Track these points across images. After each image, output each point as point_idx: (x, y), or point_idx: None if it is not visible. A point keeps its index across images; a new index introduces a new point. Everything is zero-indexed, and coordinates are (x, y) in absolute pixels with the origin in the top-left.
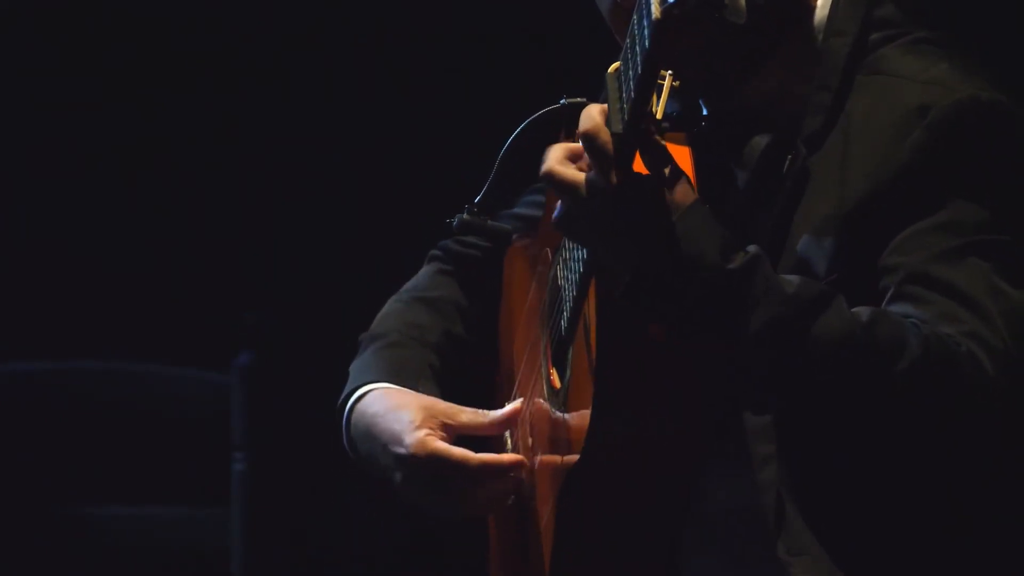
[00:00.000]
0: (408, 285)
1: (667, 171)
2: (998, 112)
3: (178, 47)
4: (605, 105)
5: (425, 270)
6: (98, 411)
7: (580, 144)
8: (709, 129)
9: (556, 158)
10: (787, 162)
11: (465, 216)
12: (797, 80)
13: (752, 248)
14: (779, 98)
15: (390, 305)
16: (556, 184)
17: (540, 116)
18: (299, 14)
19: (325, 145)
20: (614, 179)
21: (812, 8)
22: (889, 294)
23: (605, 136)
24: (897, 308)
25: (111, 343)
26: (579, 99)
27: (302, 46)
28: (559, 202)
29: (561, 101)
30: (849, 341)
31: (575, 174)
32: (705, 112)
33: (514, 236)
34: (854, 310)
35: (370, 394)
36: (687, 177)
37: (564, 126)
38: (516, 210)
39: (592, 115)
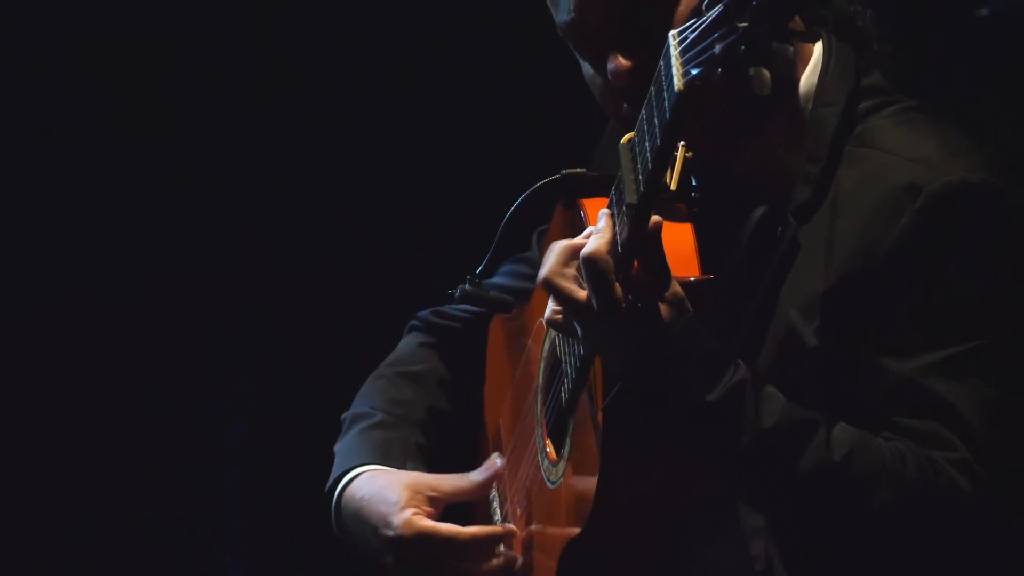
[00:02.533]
0: (389, 359)
1: (664, 288)
2: (987, 195)
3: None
4: (610, 231)
5: (405, 342)
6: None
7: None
8: (704, 200)
9: (556, 263)
10: (778, 233)
11: (467, 287)
12: (786, 149)
13: (740, 369)
14: (768, 167)
15: (372, 382)
16: (555, 294)
17: (539, 187)
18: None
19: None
20: (613, 303)
21: (799, 76)
22: (879, 397)
23: (605, 264)
24: (886, 416)
25: (112, 346)
26: (578, 170)
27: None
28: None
29: (560, 172)
30: (827, 476)
31: (574, 289)
32: (695, 182)
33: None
34: (835, 433)
35: (358, 478)
36: (681, 297)
37: (563, 197)
38: (497, 280)
39: (594, 237)
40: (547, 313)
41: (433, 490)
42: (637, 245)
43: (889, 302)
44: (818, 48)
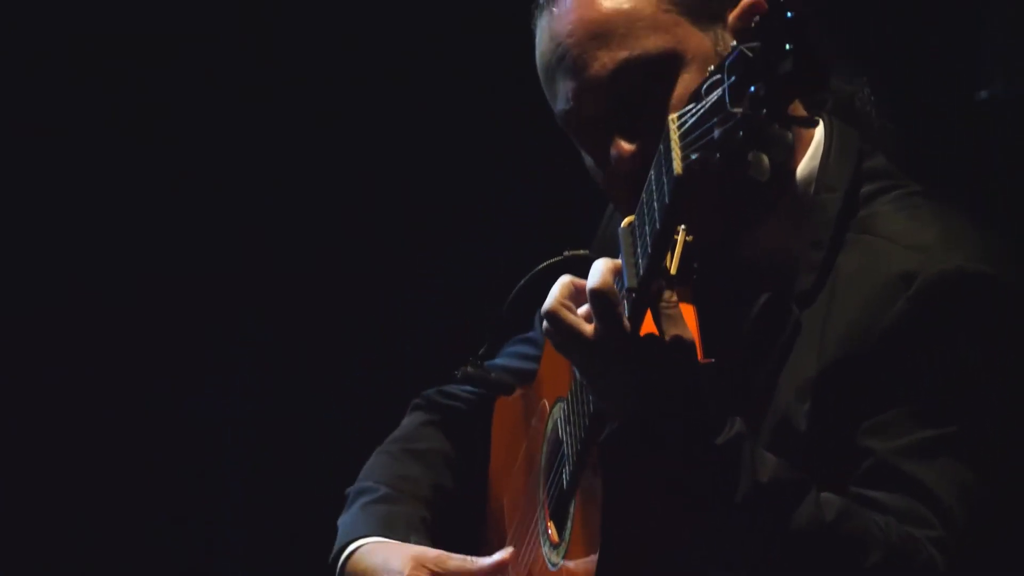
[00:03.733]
0: (394, 435)
1: (675, 334)
2: (984, 286)
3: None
4: (616, 261)
5: (409, 420)
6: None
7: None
8: (708, 284)
9: (561, 297)
10: (780, 319)
11: (469, 368)
12: (789, 234)
13: (738, 422)
14: (772, 253)
15: (376, 457)
16: (557, 327)
17: (542, 268)
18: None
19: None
20: (617, 341)
21: (800, 160)
22: (860, 475)
23: (613, 296)
24: (867, 493)
25: (112, 346)
26: (581, 251)
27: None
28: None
29: (564, 253)
30: (819, 536)
31: (577, 323)
32: (696, 267)
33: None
34: (824, 499)
35: (362, 548)
36: (691, 340)
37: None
38: (501, 361)
39: (602, 271)
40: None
41: (438, 566)
42: (638, 323)
43: (876, 385)
44: (819, 130)
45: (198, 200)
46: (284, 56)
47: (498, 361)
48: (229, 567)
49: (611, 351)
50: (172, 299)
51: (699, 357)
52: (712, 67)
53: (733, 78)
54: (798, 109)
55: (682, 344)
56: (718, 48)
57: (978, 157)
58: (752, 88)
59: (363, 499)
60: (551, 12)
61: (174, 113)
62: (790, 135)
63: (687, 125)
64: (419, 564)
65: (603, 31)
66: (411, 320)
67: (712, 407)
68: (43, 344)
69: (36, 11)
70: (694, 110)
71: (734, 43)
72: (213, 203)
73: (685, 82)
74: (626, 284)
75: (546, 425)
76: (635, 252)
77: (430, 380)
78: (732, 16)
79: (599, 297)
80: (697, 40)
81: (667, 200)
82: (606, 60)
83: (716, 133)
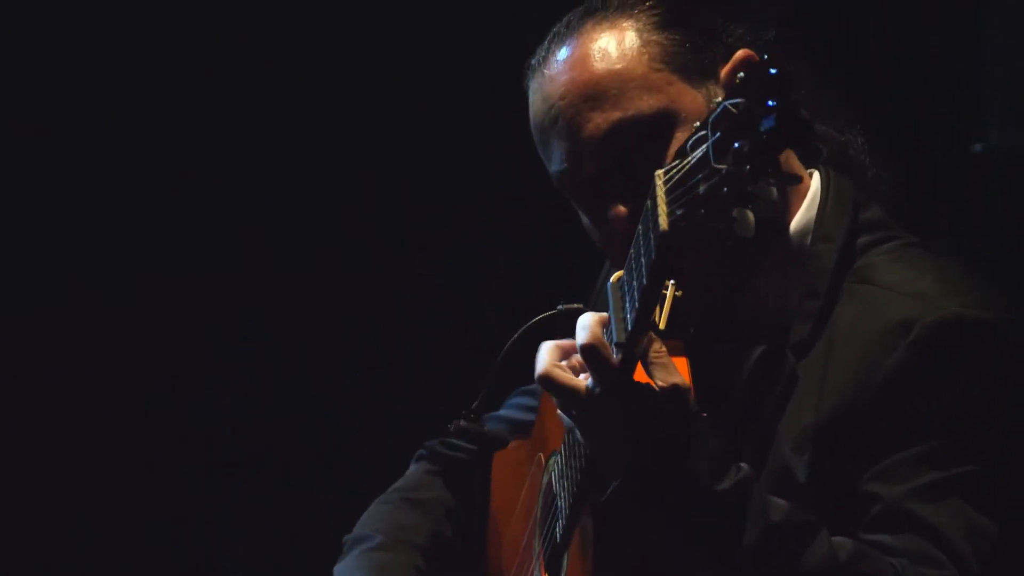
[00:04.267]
0: (396, 485)
1: (668, 383)
2: (982, 331)
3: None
4: (602, 314)
5: (413, 469)
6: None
7: (575, 344)
8: (701, 337)
9: (551, 360)
10: (777, 370)
11: (461, 422)
12: (785, 286)
13: (744, 467)
14: (768, 303)
15: (376, 506)
16: (554, 389)
17: (536, 322)
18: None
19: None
20: (612, 391)
21: (796, 210)
22: (868, 521)
23: (605, 350)
24: (877, 538)
25: (112, 346)
26: (575, 305)
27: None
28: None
29: (558, 307)
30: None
31: (572, 380)
32: (688, 321)
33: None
34: (836, 541)
35: None
36: (686, 388)
37: (561, 332)
38: (503, 412)
39: (589, 325)
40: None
41: None
42: (629, 376)
43: (879, 432)
44: (815, 181)
45: (198, 200)
46: (284, 56)
47: (501, 412)
48: (229, 567)
49: (605, 402)
50: (172, 299)
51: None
52: (697, 123)
53: (718, 134)
54: (793, 160)
55: (676, 392)
56: (710, 105)
57: (973, 208)
58: (736, 144)
59: (359, 547)
60: (543, 74)
61: (174, 113)
62: (775, 191)
63: (673, 181)
64: None
65: (596, 92)
66: (411, 320)
67: (712, 454)
68: (43, 344)
69: (36, 11)
70: (680, 166)
71: (719, 99)
72: (213, 203)
73: (679, 140)
74: (614, 339)
75: (542, 477)
76: (623, 307)
77: (430, 381)
78: (724, 71)
79: (590, 351)
80: (690, 97)
81: (653, 256)
82: (600, 121)
83: (701, 189)
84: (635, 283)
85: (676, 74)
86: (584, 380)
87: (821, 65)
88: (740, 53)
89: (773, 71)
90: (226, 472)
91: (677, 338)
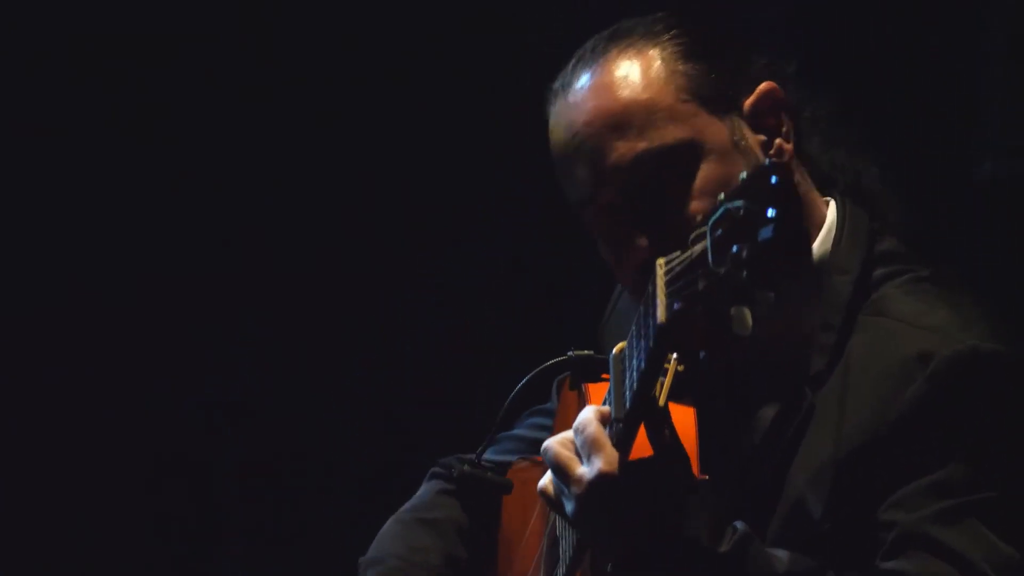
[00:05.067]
0: (409, 504)
1: (667, 451)
2: (998, 364)
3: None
4: (603, 408)
5: (426, 488)
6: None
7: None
8: (713, 397)
9: (558, 438)
10: (793, 403)
11: (466, 467)
12: (799, 316)
13: (740, 526)
14: (781, 335)
15: (390, 526)
16: (550, 461)
17: (546, 368)
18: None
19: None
20: (603, 472)
21: (812, 241)
22: (885, 549)
23: (593, 429)
24: (893, 565)
25: (112, 346)
26: (585, 351)
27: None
28: (548, 473)
29: (568, 353)
30: None
31: (570, 458)
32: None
33: (517, 458)
34: None
35: None
36: (685, 458)
37: (570, 377)
38: (517, 432)
39: (589, 414)
40: (542, 481)
41: None
42: (627, 451)
43: (896, 464)
44: (831, 211)
45: (198, 200)
46: (284, 56)
47: (516, 432)
48: (229, 567)
49: (596, 488)
50: (172, 299)
51: (695, 469)
52: (700, 218)
53: (718, 232)
54: (811, 192)
55: (674, 465)
56: (735, 137)
57: (979, 236)
58: (735, 248)
59: (373, 569)
60: (566, 100)
61: (174, 113)
62: (773, 295)
63: (674, 272)
64: None
65: (621, 121)
66: (411, 320)
67: (710, 518)
68: (43, 344)
69: (36, 11)
70: (681, 259)
71: (722, 196)
72: (213, 203)
73: (704, 172)
74: (613, 414)
75: (551, 514)
76: (624, 382)
77: (429, 381)
78: (747, 103)
79: (582, 430)
80: (715, 129)
81: (651, 344)
82: (624, 151)
83: (700, 286)
84: (635, 362)
85: (702, 105)
86: (579, 469)
87: (839, 91)
88: (764, 86)
89: (774, 179)
90: (226, 472)
91: (682, 399)
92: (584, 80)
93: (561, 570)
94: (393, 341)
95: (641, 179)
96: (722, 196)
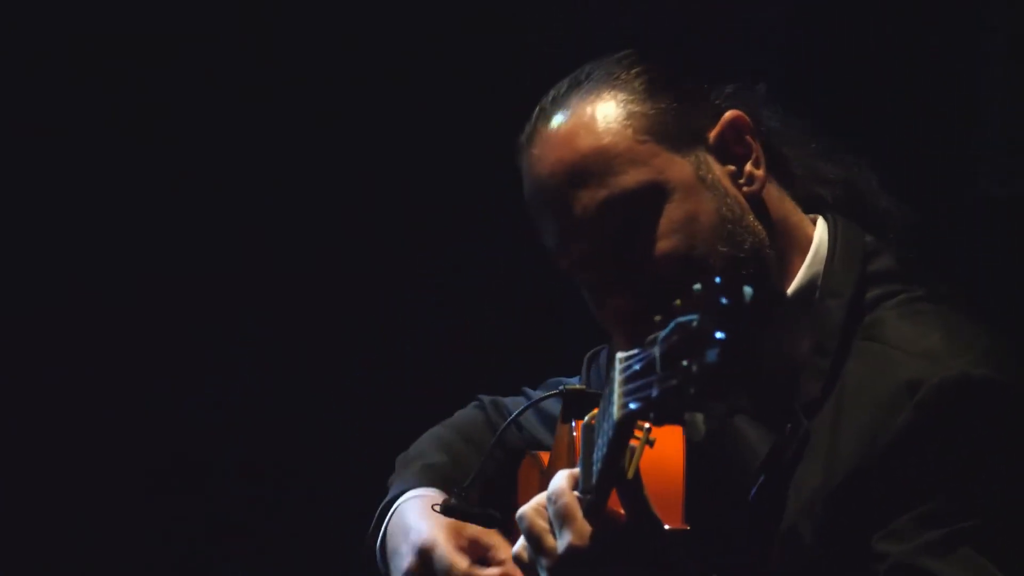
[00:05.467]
0: (450, 421)
1: (638, 516)
2: (988, 390)
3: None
4: (574, 471)
5: (468, 412)
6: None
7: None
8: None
9: (534, 505)
10: (787, 430)
11: (452, 501)
12: (789, 343)
13: None
14: (773, 358)
15: (431, 434)
16: (524, 530)
17: (537, 403)
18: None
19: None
20: (573, 545)
21: (796, 269)
22: None
23: (565, 500)
24: None
25: (112, 346)
26: (578, 386)
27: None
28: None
29: (560, 388)
30: None
31: (544, 529)
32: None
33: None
34: None
35: (414, 500)
36: (656, 520)
37: (562, 412)
38: (545, 408)
39: (560, 479)
40: (516, 547)
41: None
42: (596, 521)
43: (886, 494)
44: (820, 230)
45: (198, 200)
46: (284, 56)
47: (544, 407)
48: (229, 567)
49: (566, 567)
50: (172, 299)
51: (677, 524)
52: (659, 318)
53: (667, 346)
54: (789, 211)
55: (645, 529)
56: (700, 172)
57: (977, 255)
58: (684, 362)
59: (416, 463)
60: (531, 152)
61: (174, 113)
62: (724, 405)
63: (629, 372)
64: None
65: (581, 171)
66: (411, 320)
67: (693, 572)
68: (43, 344)
69: (36, 11)
70: (637, 357)
71: (677, 302)
72: (213, 203)
73: (668, 212)
74: (580, 485)
75: None
76: (592, 454)
77: (430, 381)
78: (712, 135)
79: (554, 500)
80: (678, 168)
81: (611, 433)
82: (587, 201)
83: (653, 393)
84: (600, 440)
85: (662, 144)
86: (552, 541)
87: (835, 95)
88: (728, 115)
89: (724, 300)
90: (226, 472)
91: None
92: (546, 131)
93: None
94: (393, 341)
95: (607, 226)
96: (678, 302)
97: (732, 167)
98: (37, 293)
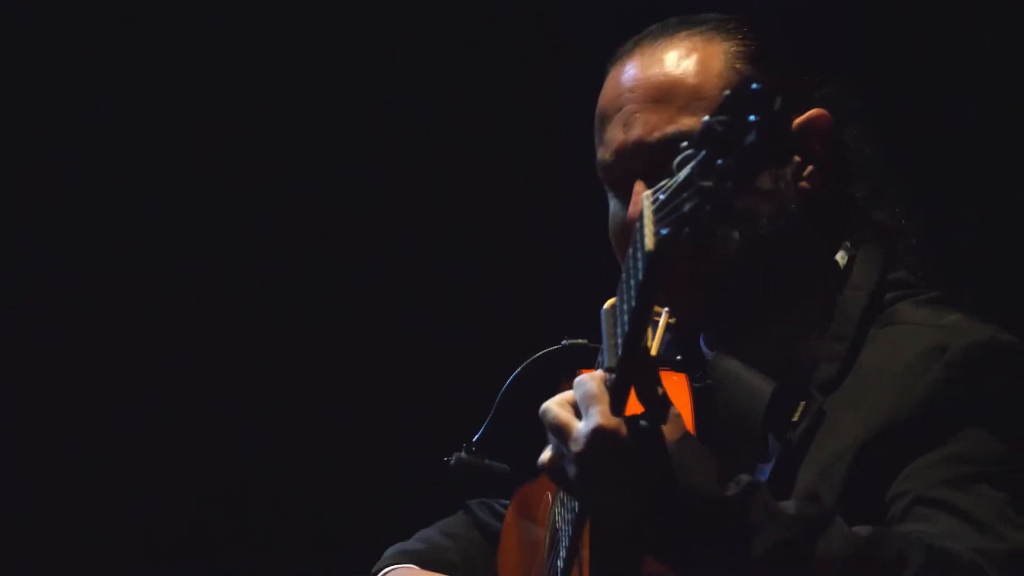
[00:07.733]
0: (437, 524)
1: (660, 406)
2: (1016, 352)
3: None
4: (602, 372)
5: (452, 516)
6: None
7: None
8: (691, 367)
9: (557, 399)
10: (800, 408)
11: (463, 455)
12: (809, 331)
13: (744, 476)
14: (788, 346)
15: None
16: (548, 423)
17: (541, 356)
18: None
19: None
20: (601, 425)
21: (837, 264)
22: (896, 515)
23: (592, 385)
24: (904, 528)
25: (112, 346)
26: (580, 340)
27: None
28: (548, 445)
29: (563, 342)
30: (853, 558)
31: (568, 417)
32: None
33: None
34: (855, 528)
35: (391, 573)
36: (677, 413)
37: (566, 367)
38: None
39: (587, 375)
40: (542, 456)
41: None
42: (621, 404)
43: (912, 445)
44: (844, 252)
45: (198, 200)
46: (284, 56)
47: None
48: (230, 567)
49: (594, 447)
50: (171, 299)
51: (690, 428)
52: (684, 143)
53: (703, 152)
54: (816, 235)
55: (667, 419)
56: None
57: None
58: (720, 161)
59: (394, 547)
60: (624, 62)
61: (174, 113)
62: (764, 215)
63: (659, 201)
64: None
65: (663, 95)
66: (411, 322)
67: (711, 469)
68: (43, 344)
69: (36, 11)
70: (666, 186)
71: (706, 118)
72: (213, 203)
73: None
74: (605, 364)
75: (550, 512)
76: (615, 332)
77: (430, 383)
78: (795, 121)
79: (581, 385)
80: None
81: (641, 277)
82: (654, 125)
83: (686, 208)
84: (625, 306)
85: None
86: (576, 422)
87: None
88: (816, 112)
89: (755, 86)
90: (226, 472)
91: (667, 366)
92: (645, 48)
93: (562, 554)
94: (393, 341)
95: (663, 157)
96: (706, 118)
97: (799, 157)
98: (37, 293)
